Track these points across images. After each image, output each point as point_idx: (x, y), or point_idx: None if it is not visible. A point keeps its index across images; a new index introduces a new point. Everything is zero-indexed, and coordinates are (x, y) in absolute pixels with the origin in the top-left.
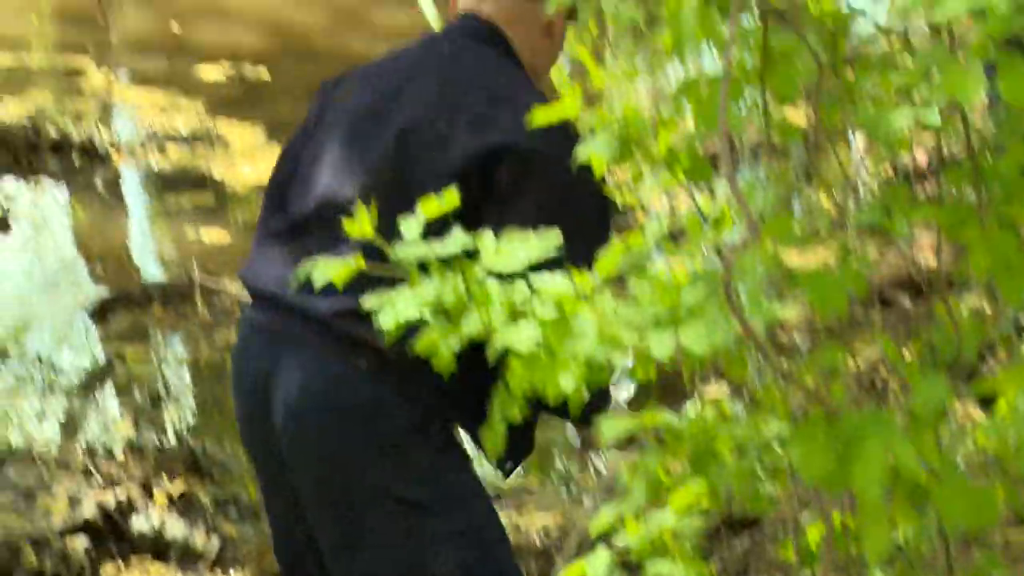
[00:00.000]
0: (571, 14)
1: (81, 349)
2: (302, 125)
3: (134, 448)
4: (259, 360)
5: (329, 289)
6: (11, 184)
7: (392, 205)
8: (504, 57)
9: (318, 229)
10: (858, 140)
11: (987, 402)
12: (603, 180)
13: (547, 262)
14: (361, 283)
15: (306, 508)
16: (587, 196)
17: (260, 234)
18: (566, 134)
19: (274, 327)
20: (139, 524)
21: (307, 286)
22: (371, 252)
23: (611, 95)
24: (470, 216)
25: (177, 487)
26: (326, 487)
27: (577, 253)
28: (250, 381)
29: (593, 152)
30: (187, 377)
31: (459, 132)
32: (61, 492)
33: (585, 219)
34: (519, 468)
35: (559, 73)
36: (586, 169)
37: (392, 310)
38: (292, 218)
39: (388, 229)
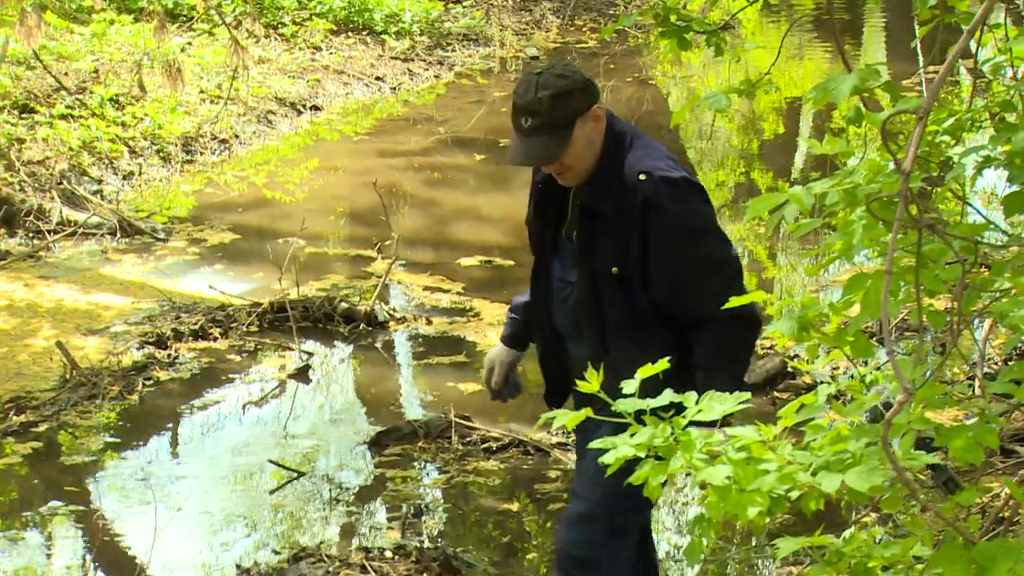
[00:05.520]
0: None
1: (358, 471)
2: None
3: (400, 550)
4: None
5: None
6: (311, 344)
7: None
8: None
9: None
10: (985, 325)
11: None
12: None
13: None
14: None
15: None
16: None
17: None
18: None
19: None
20: None
21: None
22: None
23: (782, 284)
24: None
25: None
26: None
27: None
28: None
29: (778, 331)
30: (440, 495)
31: None
32: None
33: None
34: None
35: None
36: None
37: (615, 450)
38: None
39: None
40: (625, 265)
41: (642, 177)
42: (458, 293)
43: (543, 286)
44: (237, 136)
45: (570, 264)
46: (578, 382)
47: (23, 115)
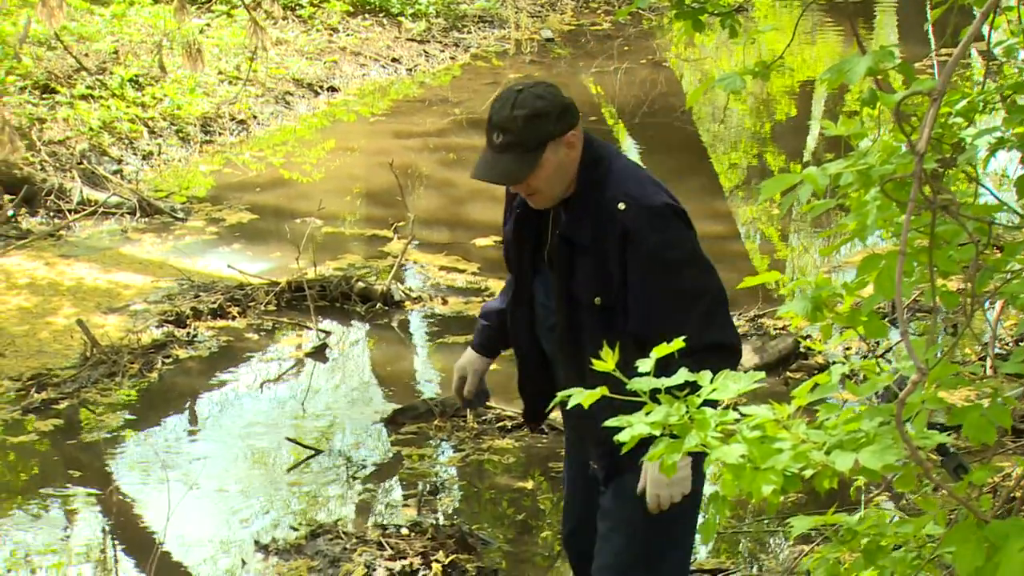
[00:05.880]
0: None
1: (375, 449)
2: None
3: (416, 527)
4: None
5: None
6: (328, 323)
7: None
8: None
9: None
10: (997, 306)
11: None
12: None
13: None
14: None
15: None
16: None
17: None
18: None
19: None
20: None
21: None
22: None
23: (794, 265)
24: None
25: (449, 560)
26: None
27: None
28: None
29: (791, 311)
30: (456, 473)
31: None
32: (359, 560)
33: None
34: None
35: None
36: None
37: (630, 428)
38: None
39: None
40: (607, 294)
41: (621, 206)
42: (473, 273)
43: (525, 311)
44: (255, 117)
45: (552, 290)
46: (593, 361)
47: (44, 95)
